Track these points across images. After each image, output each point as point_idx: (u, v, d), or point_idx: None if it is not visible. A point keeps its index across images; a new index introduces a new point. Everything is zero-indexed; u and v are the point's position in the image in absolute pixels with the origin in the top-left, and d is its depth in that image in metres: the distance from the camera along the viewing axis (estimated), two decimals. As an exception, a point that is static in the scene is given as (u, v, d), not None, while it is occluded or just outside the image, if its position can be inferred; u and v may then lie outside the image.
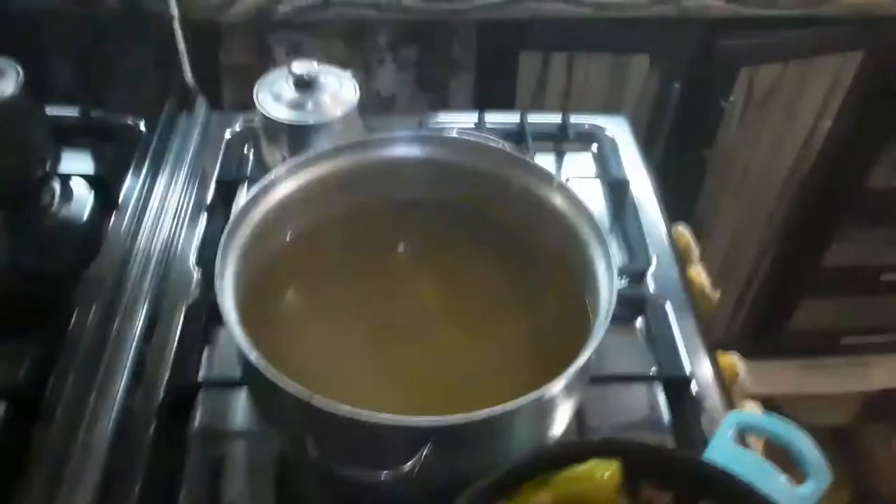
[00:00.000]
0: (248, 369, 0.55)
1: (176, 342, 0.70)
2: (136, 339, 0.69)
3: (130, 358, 0.68)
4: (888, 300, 1.61)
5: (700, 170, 1.32)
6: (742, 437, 0.60)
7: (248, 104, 0.79)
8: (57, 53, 0.88)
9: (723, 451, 0.53)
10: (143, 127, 0.90)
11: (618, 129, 0.97)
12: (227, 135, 0.93)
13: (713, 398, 0.67)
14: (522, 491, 0.49)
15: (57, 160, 0.84)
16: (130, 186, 0.82)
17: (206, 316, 0.72)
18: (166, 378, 0.67)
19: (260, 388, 0.55)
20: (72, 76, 0.97)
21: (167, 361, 0.68)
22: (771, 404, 0.69)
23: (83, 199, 0.82)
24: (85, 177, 0.83)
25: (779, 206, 1.46)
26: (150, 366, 0.68)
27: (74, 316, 0.69)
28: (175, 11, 0.96)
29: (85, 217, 0.80)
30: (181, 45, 0.94)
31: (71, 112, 0.88)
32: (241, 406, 0.67)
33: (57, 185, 0.83)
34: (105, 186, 0.80)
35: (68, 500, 0.58)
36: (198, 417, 0.66)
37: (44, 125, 0.80)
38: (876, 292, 1.59)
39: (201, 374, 0.69)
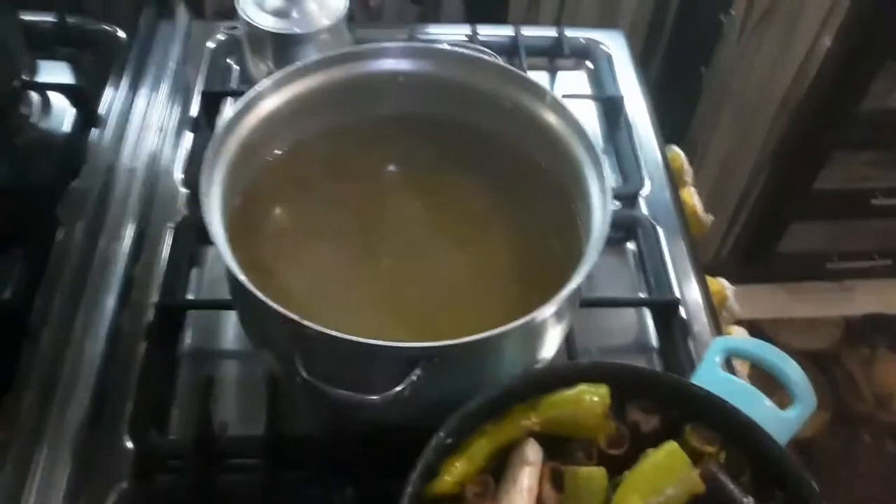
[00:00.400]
0: (236, 290, 0.54)
1: (164, 261, 0.69)
2: (123, 257, 0.68)
3: (118, 277, 0.67)
4: (877, 224, 1.61)
5: (696, 89, 1.30)
6: (728, 361, 0.61)
7: (231, 12, 0.75)
8: (30, -46, 0.84)
9: (710, 376, 0.53)
10: (121, 35, 0.86)
11: (614, 45, 0.94)
12: (211, 44, 0.89)
13: (702, 322, 0.68)
14: (512, 413, 0.49)
15: (33, 70, 0.81)
16: (110, 98, 0.80)
17: (194, 235, 0.71)
18: (155, 298, 0.66)
19: (248, 308, 0.55)
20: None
21: (156, 281, 0.68)
22: (755, 328, 0.69)
23: (62, 111, 0.79)
24: (63, 87, 0.80)
25: (773, 128, 1.44)
26: (139, 285, 0.68)
27: (59, 234, 0.67)
28: (153, -90, 0.91)
29: (65, 130, 0.78)
30: (160, -53, 0.90)
31: (46, 18, 0.85)
32: (231, 326, 0.66)
33: (35, 97, 0.80)
34: (84, 98, 0.78)
35: (59, 419, 0.58)
36: (188, 337, 0.66)
37: (17, 31, 0.76)
38: (865, 216, 1.59)
39: (190, 293, 0.69)
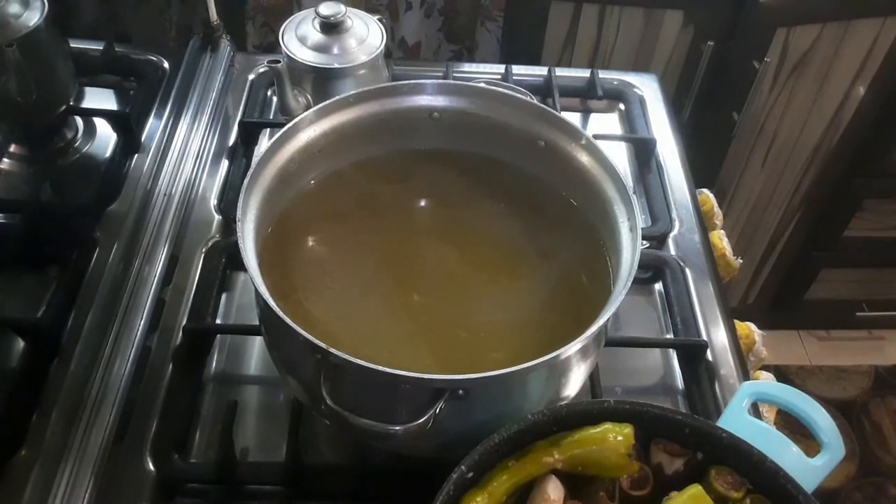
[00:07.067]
0: (266, 314, 0.55)
1: (195, 286, 0.70)
2: (155, 280, 0.69)
3: (149, 299, 0.68)
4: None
5: (727, 133, 1.29)
6: (755, 406, 0.60)
7: (272, 46, 0.77)
8: (82, -14, 0.87)
9: (737, 420, 0.52)
10: (166, 65, 0.89)
11: (647, 87, 0.95)
12: (251, 76, 0.92)
13: (728, 366, 0.67)
14: (534, 449, 0.49)
15: (80, 95, 0.84)
16: (153, 125, 0.82)
17: (225, 260, 0.72)
18: (184, 321, 0.67)
19: (276, 334, 0.55)
20: (96, 10, 0.96)
21: (185, 305, 0.69)
22: (782, 375, 0.68)
23: (105, 136, 0.82)
24: (107, 114, 0.83)
25: (804, 175, 1.44)
26: (169, 308, 0.69)
27: (95, 255, 0.69)
28: (201, -53, 0.94)
29: (107, 155, 0.80)
30: (206, -18, 0.93)
31: (94, 46, 0.88)
32: (256, 352, 0.67)
33: (80, 122, 0.83)
34: (127, 124, 0.80)
35: (85, 437, 0.59)
36: (214, 361, 0.67)
37: (67, 58, 0.79)
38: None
39: (219, 318, 0.69)
